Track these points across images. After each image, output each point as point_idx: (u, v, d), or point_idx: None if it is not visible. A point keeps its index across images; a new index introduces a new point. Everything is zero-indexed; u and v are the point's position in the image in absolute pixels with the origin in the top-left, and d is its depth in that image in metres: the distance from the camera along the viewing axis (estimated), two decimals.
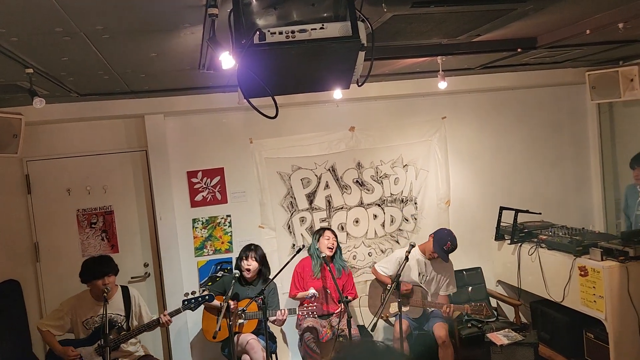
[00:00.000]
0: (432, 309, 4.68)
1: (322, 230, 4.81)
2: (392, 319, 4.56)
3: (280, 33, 1.69)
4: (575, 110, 5.79)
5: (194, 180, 5.00)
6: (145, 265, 5.01)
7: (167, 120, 4.87)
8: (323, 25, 1.70)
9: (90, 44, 2.48)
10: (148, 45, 2.67)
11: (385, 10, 2.10)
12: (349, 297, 4.53)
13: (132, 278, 4.92)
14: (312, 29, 1.69)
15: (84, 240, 4.85)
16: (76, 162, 4.80)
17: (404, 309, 4.46)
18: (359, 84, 2.02)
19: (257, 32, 1.67)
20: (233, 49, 1.67)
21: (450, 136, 5.53)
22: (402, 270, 4.07)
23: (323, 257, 4.55)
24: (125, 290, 4.15)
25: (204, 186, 5.03)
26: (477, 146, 5.61)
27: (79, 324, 3.99)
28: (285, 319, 4.31)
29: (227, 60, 2.00)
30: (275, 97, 1.92)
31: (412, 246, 4.43)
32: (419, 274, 4.71)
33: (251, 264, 4.50)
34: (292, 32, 1.69)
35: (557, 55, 4.28)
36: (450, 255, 5.32)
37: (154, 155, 4.81)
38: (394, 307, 4.60)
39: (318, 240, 4.73)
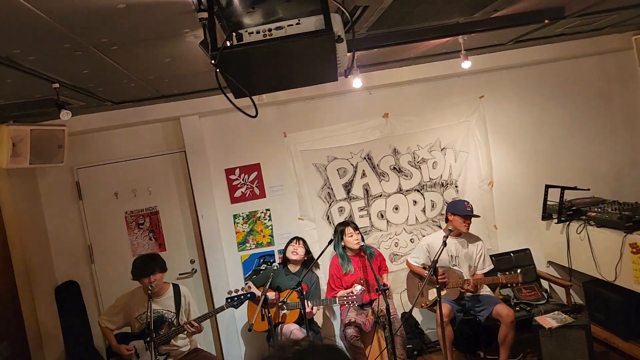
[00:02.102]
0: (480, 293, 4.59)
1: (342, 227, 4.77)
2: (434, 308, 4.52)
3: (258, 32, 1.71)
4: (624, 78, 5.42)
5: (232, 177, 5.13)
6: (192, 261, 5.21)
7: (202, 121, 5.02)
8: (299, 20, 1.70)
9: (103, 56, 2.60)
10: (159, 52, 2.77)
11: None
12: (386, 285, 4.51)
13: (180, 275, 5.13)
14: (288, 26, 1.70)
15: (134, 241, 5.11)
16: (121, 167, 5.05)
17: (441, 293, 4.41)
18: (346, 75, 2.00)
19: (234, 34, 1.69)
20: (211, 52, 1.71)
21: (489, 115, 5.35)
22: (438, 255, 4.01)
23: (362, 245, 4.58)
24: (176, 288, 4.32)
25: (242, 182, 5.15)
26: (519, 124, 5.39)
27: (133, 319, 4.21)
28: (312, 311, 4.37)
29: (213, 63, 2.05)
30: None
31: (450, 231, 4.39)
32: (450, 256, 4.63)
33: (298, 249, 4.66)
34: (269, 30, 1.71)
35: (593, 22, 4.03)
36: (499, 238, 5.23)
37: (192, 155, 4.98)
38: (432, 294, 4.57)
39: (342, 239, 4.73)
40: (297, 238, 4.80)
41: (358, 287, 4.46)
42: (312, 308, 4.36)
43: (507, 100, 5.36)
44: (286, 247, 4.78)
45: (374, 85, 5.02)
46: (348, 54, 1.88)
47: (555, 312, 4.47)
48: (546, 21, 3.58)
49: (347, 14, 1.81)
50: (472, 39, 3.85)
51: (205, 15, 2.06)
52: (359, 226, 4.89)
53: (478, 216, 4.68)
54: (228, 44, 1.67)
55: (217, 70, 1.76)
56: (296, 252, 4.67)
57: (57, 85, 2.99)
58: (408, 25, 3.02)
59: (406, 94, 5.27)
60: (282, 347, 1.01)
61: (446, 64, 4.99)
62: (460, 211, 4.54)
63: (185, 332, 4.15)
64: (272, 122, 5.12)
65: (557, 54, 5.13)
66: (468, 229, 4.58)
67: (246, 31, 1.71)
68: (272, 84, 2.04)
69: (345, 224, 4.81)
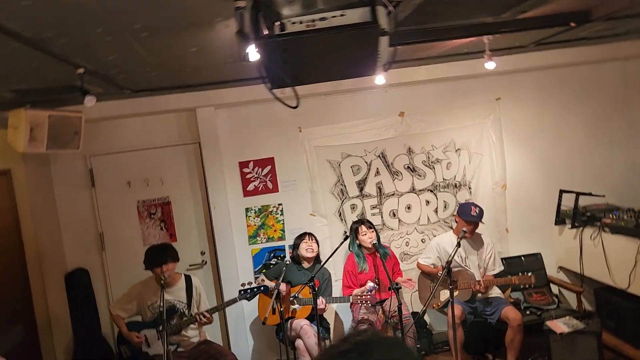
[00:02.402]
0: (490, 295, 4.58)
1: (357, 225, 4.77)
2: (445, 310, 4.51)
3: (301, 22, 1.69)
4: None
5: (246, 170, 5.12)
6: (202, 253, 5.20)
7: (217, 112, 5.00)
8: (343, 12, 1.69)
9: (132, 42, 2.59)
10: (187, 41, 2.75)
11: None
12: (399, 283, 4.49)
13: (190, 266, 5.12)
14: (332, 17, 1.68)
15: (145, 230, 5.10)
16: (135, 156, 5.03)
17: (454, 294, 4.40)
18: (385, 69, 1.98)
19: (278, 23, 1.68)
20: (255, 41, 1.69)
21: (505, 118, 5.32)
22: (452, 256, 3.99)
23: (374, 243, 4.56)
24: (188, 279, 4.31)
25: (256, 176, 5.13)
26: (535, 127, 5.36)
27: (145, 308, 4.21)
28: (324, 308, 4.35)
29: (253, 52, 2.03)
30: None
31: (465, 232, 4.36)
32: (460, 257, 4.62)
33: (312, 245, 4.65)
34: (312, 20, 1.69)
35: (618, 27, 4.00)
36: (510, 241, 5.20)
37: (207, 147, 4.96)
38: (444, 295, 4.56)
39: (356, 237, 4.72)
40: (309, 234, 4.78)
41: (370, 284, 4.45)
42: (325, 304, 4.34)
43: (524, 103, 5.33)
44: (298, 243, 4.74)
45: (390, 84, 4.99)
46: (390, 47, 1.87)
47: (567, 318, 4.45)
48: (572, 24, 3.55)
49: (391, 7, 1.80)
50: (495, 40, 3.81)
51: (242, 3, 2.04)
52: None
53: (482, 222, 4.58)
54: (272, 33, 1.66)
55: (259, 59, 1.74)
56: (311, 249, 4.66)
57: (81, 70, 2.97)
58: (436, 23, 2.99)
59: (422, 93, 5.24)
60: (344, 337, 0.98)
61: (464, 64, 4.96)
62: (464, 215, 4.51)
63: (197, 322, 4.15)
64: (287, 116, 5.09)
65: (577, 58, 5.10)
66: (472, 234, 4.55)
67: (289, 21, 1.69)
68: (312, 75, 2.02)
69: (359, 222, 4.79)
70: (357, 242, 4.72)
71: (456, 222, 4.67)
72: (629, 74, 5.39)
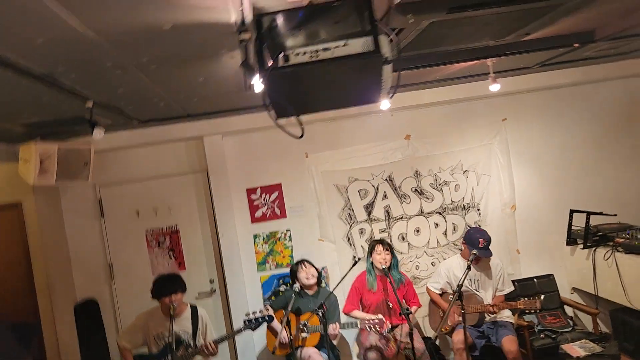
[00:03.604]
0: (499, 318, 4.51)
1: (374, 244, 4.74)
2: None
3: (304, 53, 1.71)
4: None
5: (253, 197, 5.12)
6: (211, 281, 5.17)
7: (225, 140, 5.03)
8: (346, 42, 1.70)
9: (141, 75, 2.63)
10: (194, 72, 2.79)
11: (410, 20, 2.06)
12: (411, 309, 4.43)
13: (199, 294, 5.09)
14: (335, 47, 1.70)
15: (154, 259, 5.09)
16: (143, 185, 5.06)
17: (458, 318, 4.35)
18: (390, 96, 1.99)
19: (282, 54, 1.70)
20: (259, 72, 1.71)
21: (512, 138, 5.32)
22: (462, 280, 3.93)
23: (383, 268, 4.51)
24: (194, 310, 4.28)
25: (263, 202, 5.14)
26: (543, 147, 5.35)
27: (151, 338, 4.17)
28: (337, 334, 4.29)
29: (258, 83, 2.05)
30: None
31: (475, 255, 4.30)
32: (469, 280, 4.57)
33: (309, 271, 4.56)
34: (316, 51, 1.71)
35: (621, 46, 4.01)
36: (522, 262, 5.12)
37: (214, 175, 4.98)
38: (451, 320, 4.50)
39: (371, 255, 4.69)
40: (302, 262, 4.66)
41: (380, 317, 4.38)
42: (337, 330, 4.27)
43: (530, 124, 5.33)
44: (295, 274, 4.62)
45: (396, 107, 5.01)
46: (393, 73, 1.88)
47: (583, 341, 4.37)
48: (576, 45, 3.57)
49: (393, 35, 1.81)
50: (500, 62, 3.84)
51: (246, 36, 2.07)
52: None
53: (484, 256, 4.46)
54: (276, 64, 1.67)
55: (263, 90, 1.75)
56: (311, 275, 4.58)
57: (90, 103, 3.01)
58: (440, 47, 3.02)
59: (428, 115, 5.26)
60: None
61: (469, 86, 4.99)
62: (472, 245, 4.44)
63: (202, 354, 4.11)
64: (293, 142, 5.04)
65: (582, 77, 5.11)
66: (476, 263, 4.49)
67: (293, 52, 1.71)
68: (316, 105, 2.04)
69: (379, 241, 4.75)
70: (371, 259, 4.69)
71: (462, 248, 4.63)
72: (633, 92, 5.39)
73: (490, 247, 4.49)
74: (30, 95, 2.69)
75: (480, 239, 4.44)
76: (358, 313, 4.61)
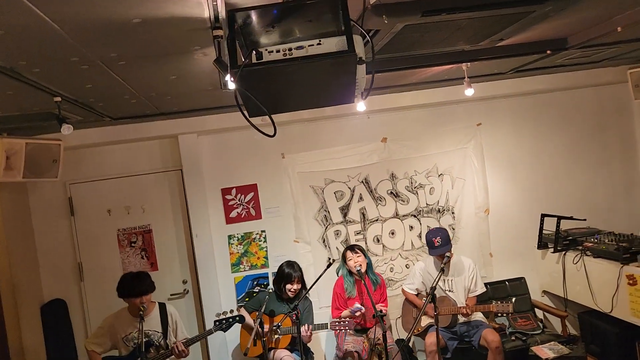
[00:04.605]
0: (472, 319, 4.55)
1: (344, 251, 4.71)
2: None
3: (278, 51, 1.69)
4: (619, 110, 5.52)
5: (228, 197, 5.07)
6: (184, 282, 5.10)
7: (200, 139, 4.97)
8: (320, 41, 1.69)
9: (109, 71, 2.57)
10: (165, 69, 2.74)
11: (385, 22, 2.06)
12: (382, 311, 4.43)
13: (171, 295, 5.02)
14: (309, 46, 1.68)
15: (125, 259, 5.00)
16: (115, 183, 4.96)
17: (430, 320, 4.37)
18: (363, 97, 1.98)
19: (254, 52, 1.67)
20: (232, 69, 1.68)
21: (486, 143, 5.38)
22: (436, 282, 3.95)
23: (358, 270, 4.49)
24: (162, 308, 4.20)
25: (239, 202, 5.09)
26: (516, 152, 5.43)
27: (119, 341, 4.07)
28: (309, 335, 4.26)
29: (230, 81, 2.02)
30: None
31: (448, 257, 4.32)
32: (443, 281, 4.61)
33: (296, 287, 4.50)
34: (290, 49, 1.69)
35: (593, 54, 4.09)
36: (494, 265, 5.16)
37: (189, 174, 4.91)
38: (424, 321, 4.54)
39: (345, 262, 4.68)
40: (297, 278, 4.50)
41: (357, 305, 4.39)
42: (309, 332, 4.24)
43: (504, 129, 5.40)
44: (283, 283, 4.50)
45: (373, 110, 5.02)
46: (367, 75, 1.87)
47: (552, 343, 4.44)
48: (548, 52, 3.63)
49: (368, 36, 1.81)
50: (474, 67, 3.88)
51: (220, 32, 2.04)
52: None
53: (443, 252, 4.42)
54: (248, 61, 1.65)
55: (235, 88, 1.73)
56: (294, 290, 4.49)
57: (58, 98, 2.94)
58: (414, 51, 3.03)
59: (404, 119, 5.29)
60: None
61: (446, 90, 5.03)
62: (429, 246, 4.53)
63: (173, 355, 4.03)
64: (270, 143, 5.06)
65: (555, 84, 5.21)
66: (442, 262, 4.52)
67: (266, 49, 1.69)
68: (289, 104, 2.02)
69: (349, 247, 4.72)
70: (346, 267, 4.68)
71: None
72: (604, 100, 5.52)
73: (451, 241, 4.57)
74: None
75: (434, 239, 4.48)
76: (346, 313, 4.57)
